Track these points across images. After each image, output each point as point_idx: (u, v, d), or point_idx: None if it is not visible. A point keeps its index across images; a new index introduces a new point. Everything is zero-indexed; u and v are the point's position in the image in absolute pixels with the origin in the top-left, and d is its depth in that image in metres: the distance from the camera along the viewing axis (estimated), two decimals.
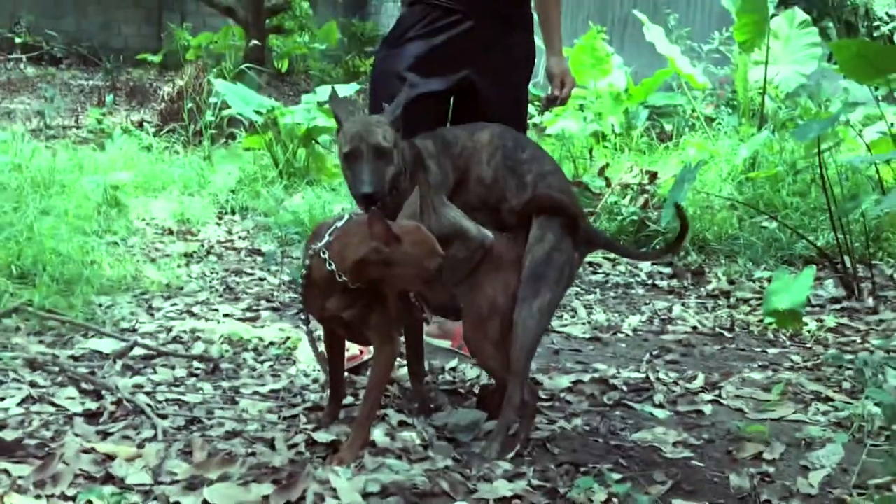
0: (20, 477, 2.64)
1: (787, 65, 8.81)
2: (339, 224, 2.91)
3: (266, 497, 2.57)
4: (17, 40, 14.24)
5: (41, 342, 3.91)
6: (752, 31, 8.43)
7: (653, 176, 6.41)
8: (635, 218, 6.12)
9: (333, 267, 2.86)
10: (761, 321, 4.77)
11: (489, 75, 3.71)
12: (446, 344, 4.14)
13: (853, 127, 6.79)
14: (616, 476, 2.92)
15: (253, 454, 2.85)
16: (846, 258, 5.34)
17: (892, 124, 6.19)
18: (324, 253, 2.88)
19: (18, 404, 3.20)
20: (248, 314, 4.60)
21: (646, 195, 6.25)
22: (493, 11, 3.71)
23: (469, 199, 3.27)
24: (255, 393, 3.49)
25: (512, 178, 3.24)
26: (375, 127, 3.13)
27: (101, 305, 4.46)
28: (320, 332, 4.16)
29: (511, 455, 3.06)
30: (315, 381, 3.61)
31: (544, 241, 3.17)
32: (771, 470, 3.06)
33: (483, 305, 3.12)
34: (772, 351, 4.41)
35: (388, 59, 3.75)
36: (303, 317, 3.08)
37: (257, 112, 7.57)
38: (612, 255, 6.00)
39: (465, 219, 3.14)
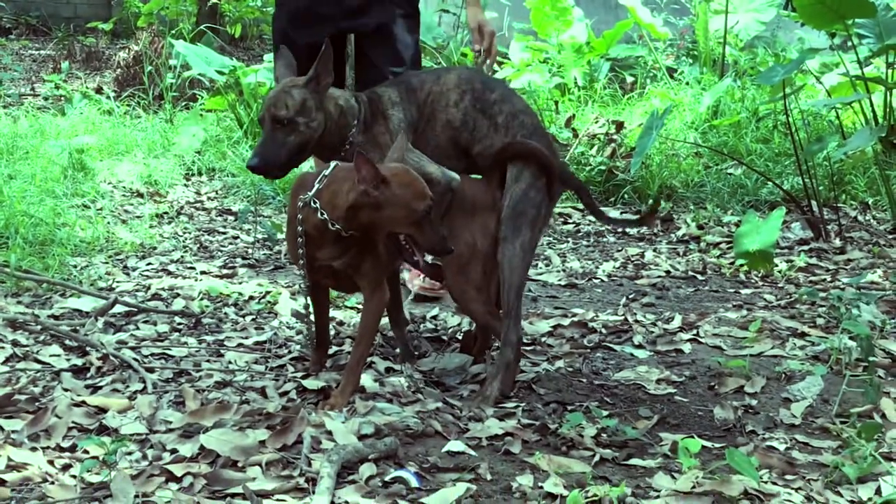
0: (13, 431, 2.65)
1: (747, 13, 8.85)
2: (327, 172, 2.91)
3: (262, 442, 2.59)
4: None
5: (19, 303, 3.89)
6: None
7: (619, 126, 6.43)
8: (603, 168, 6.16)
9: (325, 216, 2.86)
10: (732, 263, 4.84)
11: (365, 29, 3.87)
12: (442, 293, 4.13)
13: (812, 73, 6.86)
14: (604, 412, 2.96)
15: (246, 402, 2.87)
16: (812, 201, 5.42)
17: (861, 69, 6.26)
18: (315, 202, 2.88)
19: (3, 362, 3.19)
20: (225, 271, 4.59)
21: (613, 145, 6.28)
22: None
23: (440, 143, 3.26)
24: (240, 345, 3.50)
25: (483, 119, 3.24)
26: (283, 95, 3.09)
27: (76, 266, 4.43)
28: (297, 285, 4.19)
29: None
30: (299, 332, 3.62)
31: (521, 181, 3.19)
32: (753, 402, 3.12)
33: (463, 251, 3.14)
34: (745, 291, 4.48)
35: (276, 18, 3.99)
36: (299, 271, 3.05)
37: (219, 72, 7.49)
38: (582, 206, 6.03)
39: (429, 163, 3.13)
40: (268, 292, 4.14)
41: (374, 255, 2.98)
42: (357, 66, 4.02)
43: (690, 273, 4.79)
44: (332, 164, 2.94)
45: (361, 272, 2.98)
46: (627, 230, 5.61)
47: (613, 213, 5.84)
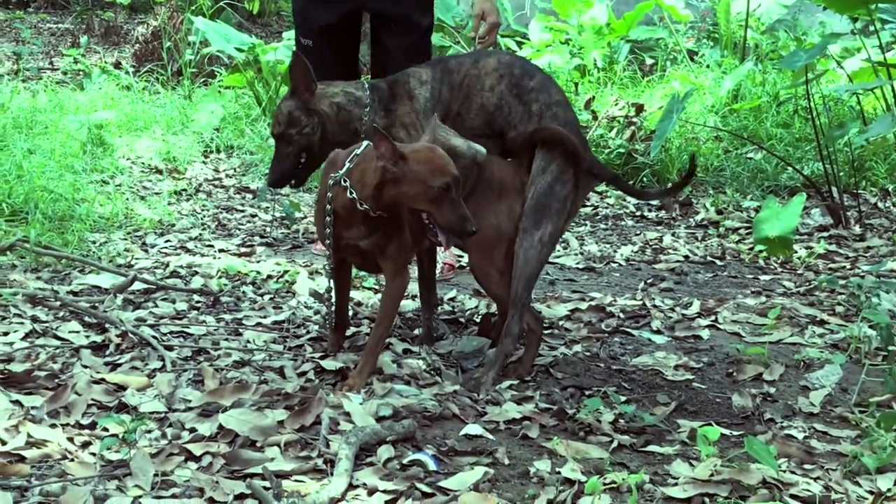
0: (33, 407, 2.65)
1: None
2: (358, 151, 2.91)
3: (281, 422, 2.59)
4: None
5: (38, 278, 3.90)
6: None
7: (639, 108, 6.40)
8: (622, 150, 6.13)
9: (355, 195, 2.86)
10: (751, 249, 4.82)
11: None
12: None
13: (834, 58, 6.80)
14: (621, 398, 2.96)
15: (264, 382, 2.87)
16: (832, 187, 5.39)
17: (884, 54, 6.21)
18: (345, 181, 2.88)
19: (23, 338, 3.20)
20: (243, 249, 4.60)
21: (632, 128, 6.25)
22: None
23: (474, 126, 3.24)
24: (259, 324, 3.50)
25: (518, 105, 3.22)
26: (276, 112, 3.24)
27: (94, 242, 4.45)
28: (316, 265, 4.19)
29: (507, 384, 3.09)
30: (317, 312, 3.62)
31: (547, 173, 3.17)
32: (772, 390, 3.11)
33: (489, 233, 3.13)
34: (763, 277, 4.46)
35: None
36: (326, 249, 3.04)
37: (238, 49, 7.48)
38: (601, 188, 6.02)
39: (455, 137, 3.11)
40: (286, 271, 4.14)
41: (400, 238, 2.98)
42: (373, 49, 4.05)
43: (709, 258, 4.78)
44: (364, 143, 2.94)
45: (386, 254, 2.98)
46: (653, 208, 5.58)
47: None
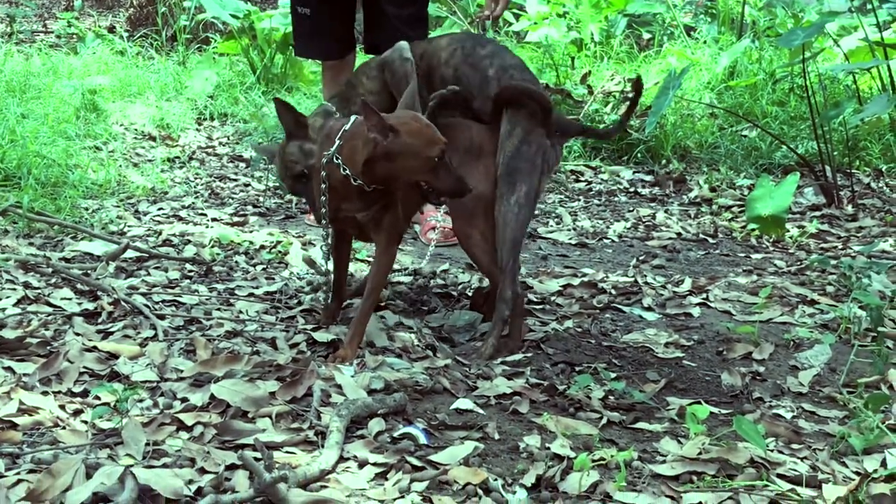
0: (25, 374, 2.66)
1: None
2: (347, 127, 2.90)
3: (272, 393, 2.60)
4: None
5: (31, 244, 3.90)
6: None
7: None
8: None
9: (348, 171, 2.86)
10: (744, 227, 4.83)
11: None
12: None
13: (831, 36, 6.78)
14: (612, 375, 2.98)
15: (256, 353, 2.88)
16: (826, 167, 5.39)
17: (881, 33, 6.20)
18: (337, 158, 2.88)
19: (14, 304, 3.21)
20: (236, 219, 4.59)
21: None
22: None
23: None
24: (251, 295, 3.50)
25: (474, 73, 3.25)
26: (284, 160, 3.34)
27: (87, 209, 4.44)
28: (309, 236, 4.19)
29: (507, 356, 3.11)
30: (309, 283, 3.63)
31: (513, 136, 3.18)
32: (761, 369, 3.13)
33: (468, 199, 3.12)
34: (755, 256, 4.47)
35: None
36: (323, 222, 3.05)
37: (233, 16, 7.44)
38: (595, 164, 6.02)
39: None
40: (279, 242, 4.14)
41: (394, 211, 2.99)
42: (367, 16, 4.04)
43: (701, 236, 4.78)
44: (352, 118, 2.93)
45: (381, 227, 3.00)
46: (647, 185, 5.58)
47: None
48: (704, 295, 3.81)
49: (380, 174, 2.84)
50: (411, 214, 3.16)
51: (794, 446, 2.57)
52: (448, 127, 3.07)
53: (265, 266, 3.89)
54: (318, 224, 3.07)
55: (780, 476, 2.36)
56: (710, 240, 4.74)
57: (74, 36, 8.71)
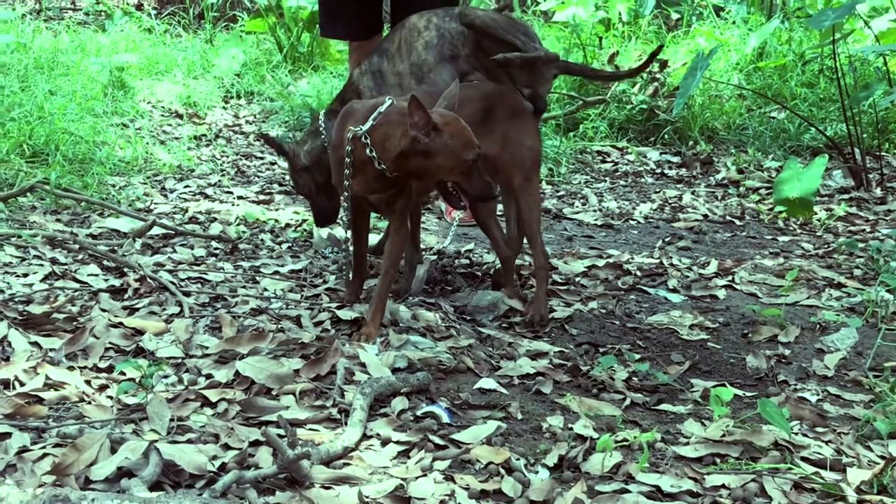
0: (51, 349, 2.68)
1: None
2: (382, 109, 2.88)
3: (297, 371, 2.61)
4: None
5: (58, 220, 3.93)
6: None
7: (663, 65, 6.34)
8: (644, 107, 6.09)
9: (374, 153, 2.86)
10: (771, 210, 4.80)
11: None
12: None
13: (861, 17, 6.71)
14: (636, 356, 2.97)
15: (281, 330, 2.89)
16: (855, 149, 5.35)
17: None
18: (366, 138, 2.87)
19: (42, 280, 3.23)
20: (262, 197, 4.60)
21: (656, 84, 6.20)
22: None
23: (428, 61, 3.44)
24: (276, 273, 3.52)
25: (456, 26, 3.45)
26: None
27: (114, 186, 4.46)
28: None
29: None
30: (334, 262, 3.63)
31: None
32: (787, 352, 3.11)
33: (526, 154, 3.28)
34: (782, 238, 4.44)
35: None
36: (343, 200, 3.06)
37: None
38: (622, 145, 5.99)
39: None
40: (304, 220, 4.15)
41: (408, 194, 3.00)
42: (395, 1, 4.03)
43: (728, 218, 4.76)
44: (388, 99, 2.91)
45: (393, 208, 3.00)
46: (674, 166, 5.55)
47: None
48: (730, 277, 3.79)
49: (411, 168, 2.83)
50: (423, 196, 3.19)
51: (819, 430, 2.56)
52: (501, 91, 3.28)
53: (290, 244, 3.89)
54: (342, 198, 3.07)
55: (804, 459, 2.34)
56: (737, 222, 4.72)
57: (103, 13, 8.73)
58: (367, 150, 2.85)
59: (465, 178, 2.82)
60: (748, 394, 2.77)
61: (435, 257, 3.79)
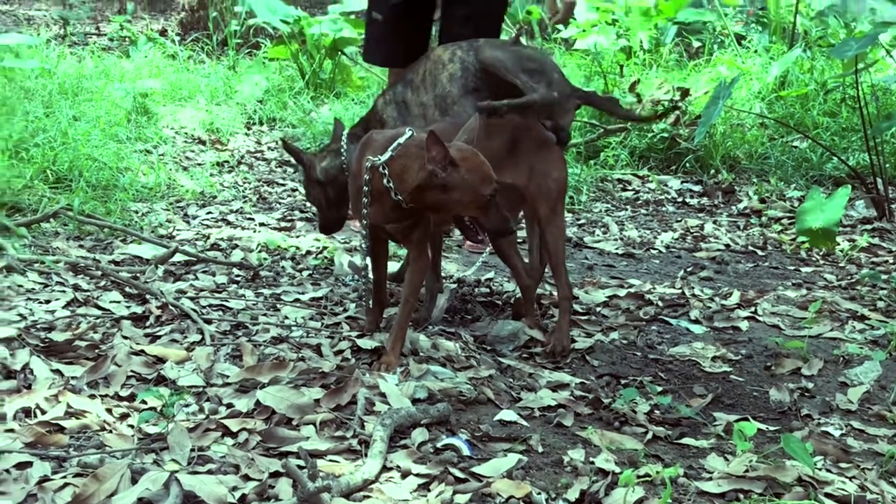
0: (73, 377, 2.68)
1: None
2: (401, 140, 2.89)
3: (317, 400, 2.60)
4: None
5: (81, 246, 3.94)
6: None
7: (684, 93, 6.34)
8: (666, 135, 6.09)
9: (391, 184, 2.86)
10: (794, 240, 4.77)
11: None
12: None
13: (883, 46, 6.69)
14: (658, 388, 2.95)
15: (301, 359, 2.88)
16: (878, 179, 5.32)
17: None
18: (384, 168, 2.87)
19: (64, 307, 3.24)
20: (283, 223, 4.61)
21: (677, 112, 6.19)
22: None
23: (452, 93, 3.47)
24: (297, 300, 3.52)
25: (475, 59, 3.47)
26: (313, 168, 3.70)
27: (137, 212, 4.48)
28: (354, 242, 4.20)
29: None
30: (355, 290, 3.63)
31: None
32: (810, 385, 3.09)
33: (552, 186, 3.29)
34: (805, 269, 4.42)
35: None
36: (362, 228, 3.07)
37: (284, 21, 7.49)
38: (643, 173, 5.98)
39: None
40: (325, 248, 4.15)
41: (425, 225, 3.00)
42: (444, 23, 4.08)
43: (750, 248, 4.74)
44: (408, 131, 2.91)
45: (410, 238, 3.01)
46: (695, 195, 5.54)
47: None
48: (753, 308, 3.77)
49: (427, 201, 2.83)
50: (441, 227, 3.19)
51: (843, 465, 2.53)
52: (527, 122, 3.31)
53: (311, 272, 3.90)
54: (361, 227, 3.07)
55: (827, 496, 2.32)
56: (759, 252, 4.69)
57: (126, 39, 8.80)
58: (385, 181, 2.86)
59: (482, 213, 2.82)
60: (771, 428, 2.75)
61: (455, 286, 3.79)
